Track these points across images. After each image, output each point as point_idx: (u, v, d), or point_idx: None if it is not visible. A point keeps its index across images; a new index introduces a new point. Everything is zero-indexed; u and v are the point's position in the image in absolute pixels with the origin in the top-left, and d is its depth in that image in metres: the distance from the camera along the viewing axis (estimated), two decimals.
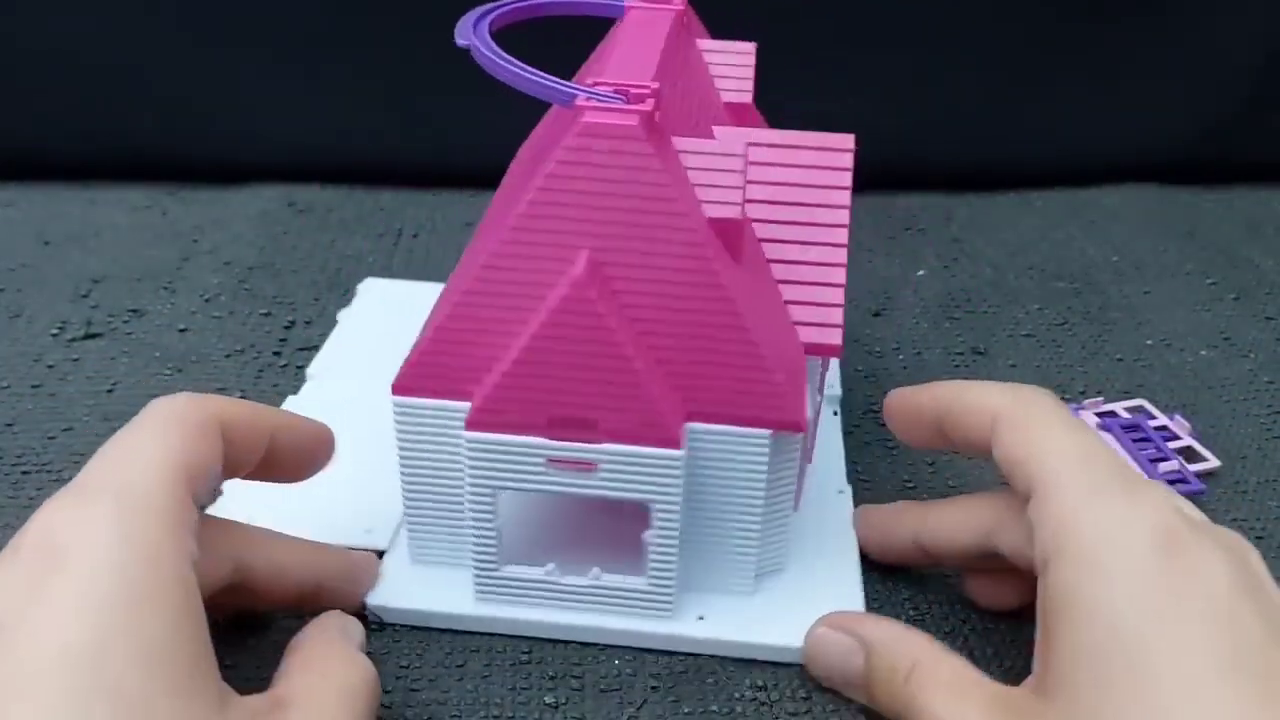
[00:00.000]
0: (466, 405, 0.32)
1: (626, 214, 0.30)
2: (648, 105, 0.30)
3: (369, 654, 0.34)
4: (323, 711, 0.27)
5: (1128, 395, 0.49)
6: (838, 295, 0.34)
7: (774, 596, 0.36)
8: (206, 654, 0.25)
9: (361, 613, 0.35)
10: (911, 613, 0.36)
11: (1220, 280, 0.58)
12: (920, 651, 0.31)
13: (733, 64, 0.42)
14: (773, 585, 0.36)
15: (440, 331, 0.32)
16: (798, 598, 0.35)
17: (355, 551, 0.36)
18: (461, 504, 0.34)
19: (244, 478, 0.32)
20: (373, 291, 0.52)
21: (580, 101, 0.30)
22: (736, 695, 0.33)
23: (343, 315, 0.50)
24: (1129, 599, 0.26)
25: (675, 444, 0.31)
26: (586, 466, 0.32)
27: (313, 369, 0.46)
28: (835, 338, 0.34)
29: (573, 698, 0.33)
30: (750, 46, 0.43)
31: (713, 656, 0.35)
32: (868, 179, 0.64)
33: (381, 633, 0.35)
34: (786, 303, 0.34)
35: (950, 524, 0.34)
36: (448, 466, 0.34)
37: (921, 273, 0.58)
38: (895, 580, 0.38)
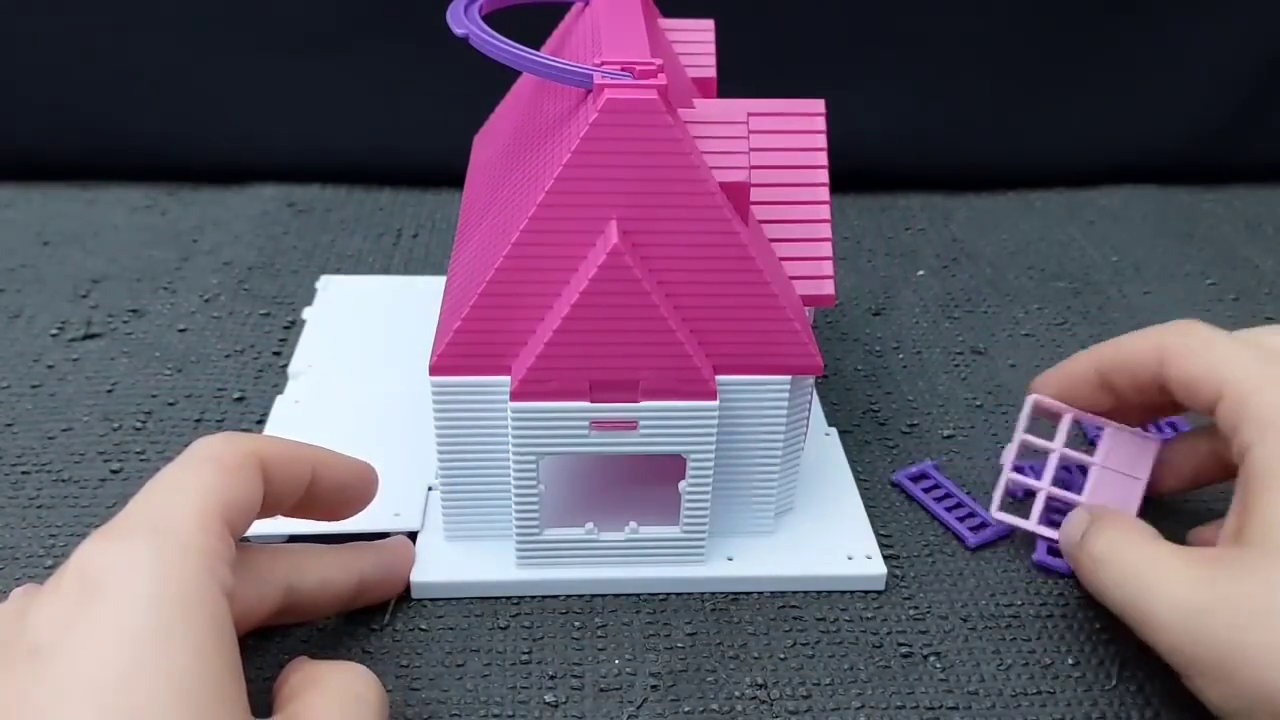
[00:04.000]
0: (504, 379, 0.34)
1: (651, 183, 0.32)
2: (660, 80, 0.32)
3: (369, 654, 0.34)
4: None
5: None
6: (826, 249, 0.37)
7: (792, 533, 0.39)
8: (235, 686, 0.25)
9: (404, 595, 0.36)
10: (911, 611, 0.37)
11: (1220, 280, 0.58)
12: (1127, 521, 0.35)
13: (694, 40, 0.45)
14: (788, 523, 0.39)
15: (475, 310, 0.33)
16: (813, 531, 0.39)
17: (388, 541, 0.36)
18: (498, 477, 0.36)
19: (286, 514, 0.32)
20: (331, 288, 0.52)
21: (598, 80, 0.32)
22: (736, 694, 0.33)
23: (308, 313, 0.50)
24: None
25: (712, 395, 0.33)
26: (629, 426, 0.33)
27: (294, 367, 0.46)
28: (828, 288, 0.36)
29: (573, 697, 0.33)
30: (709, 24, 0.45)
31: (712, 658, 0.35)
32: (868, 179, 0.65)
33: (381, 633, 0.35)
34: (781, 259, 0.36)
35: (1128, 348, 0.37)
36: (486, 441, 0.35)
37: (921, 273, 0.58)
38: (894, 584, 0.38)
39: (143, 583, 0.25)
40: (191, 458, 0.29)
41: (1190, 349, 0.34)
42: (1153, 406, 0.38)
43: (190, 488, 0.28)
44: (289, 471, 0.31)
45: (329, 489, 0.32)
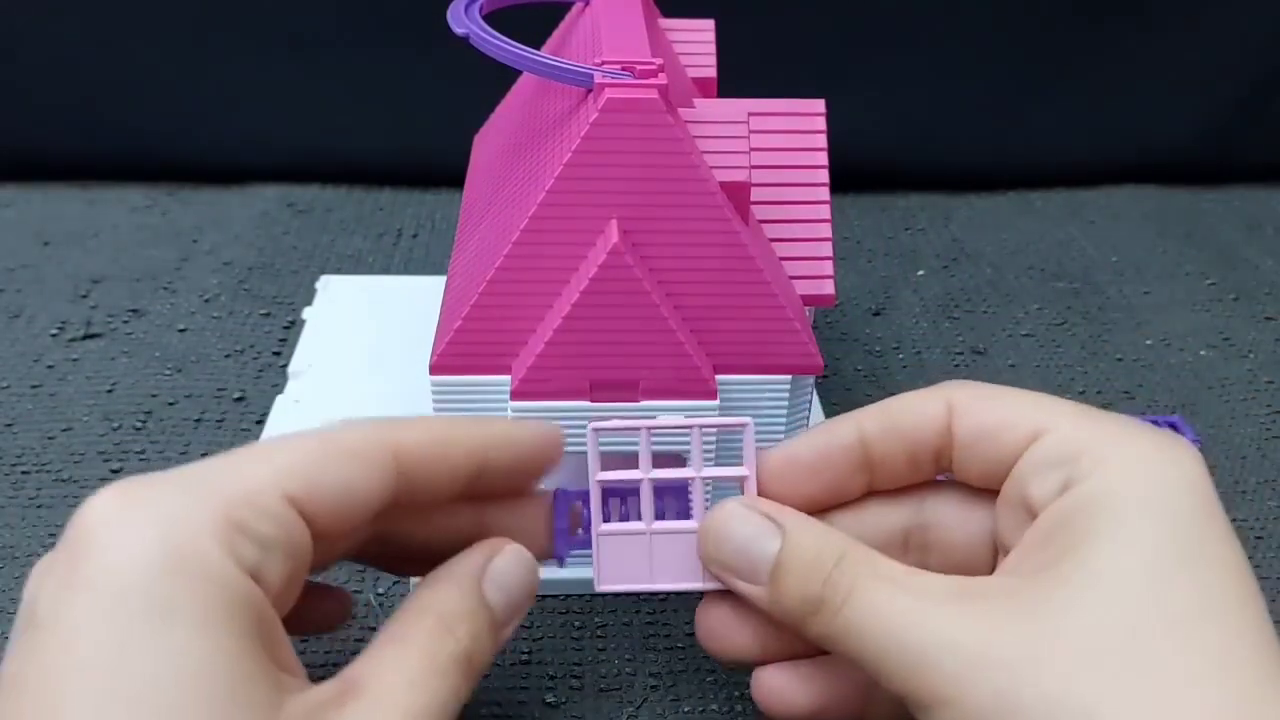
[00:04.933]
0: (504, 379, 0.33)
1: (651, 182, 0.32)
2: (661, 79, 0.32)
3: None
4: (393, 698, 0.24)
5: (1128, 395, 0.49)
6: (826, 249, 0.37)
7: None
8: (257, 674, 0.22)
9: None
10: None
11: (1220, 280, 0.58)
12: (848, 544, 0.27)
13: (694, 40, 0.44)
14: None
15: (476, 310, 0.33)
16: None
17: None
18: None
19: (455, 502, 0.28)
20: (331, 288, 0.52)
21: (599, 79, 0.32)
22: (736, 694, 0.33)
23: (308, 313, 0.50)
24: (1175, 544, 0.24)
25: (712, 395, 0.33)
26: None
27: (294, 367, 0.46)
28: (828, 288, 0.36)
29: (572, 698, 0.33)
30: (709, 24, 0.45)
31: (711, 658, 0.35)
32: (868, 179, 0.65)
33: None
34: (781, 259, 0.36)
35: (905, 407, 0.29)
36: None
37: (921, 273, 0.58)
38: None
39: (139, 547, 0.22)
40: (309, 431, 0.26)
41: (987, 396, 0.28)
42: (906, 482, 0.30)
43: (269, 457, 0.25)
44: (439, 464, 0.26)
45: (504, 470, 0.28)
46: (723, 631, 0.29)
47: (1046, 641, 0.23)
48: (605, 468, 0.30)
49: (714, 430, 0.32)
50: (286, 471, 0.24)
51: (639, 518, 0.30)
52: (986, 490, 0.29)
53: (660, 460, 0.30)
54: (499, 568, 0.27)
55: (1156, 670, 0.22)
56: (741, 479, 0.29)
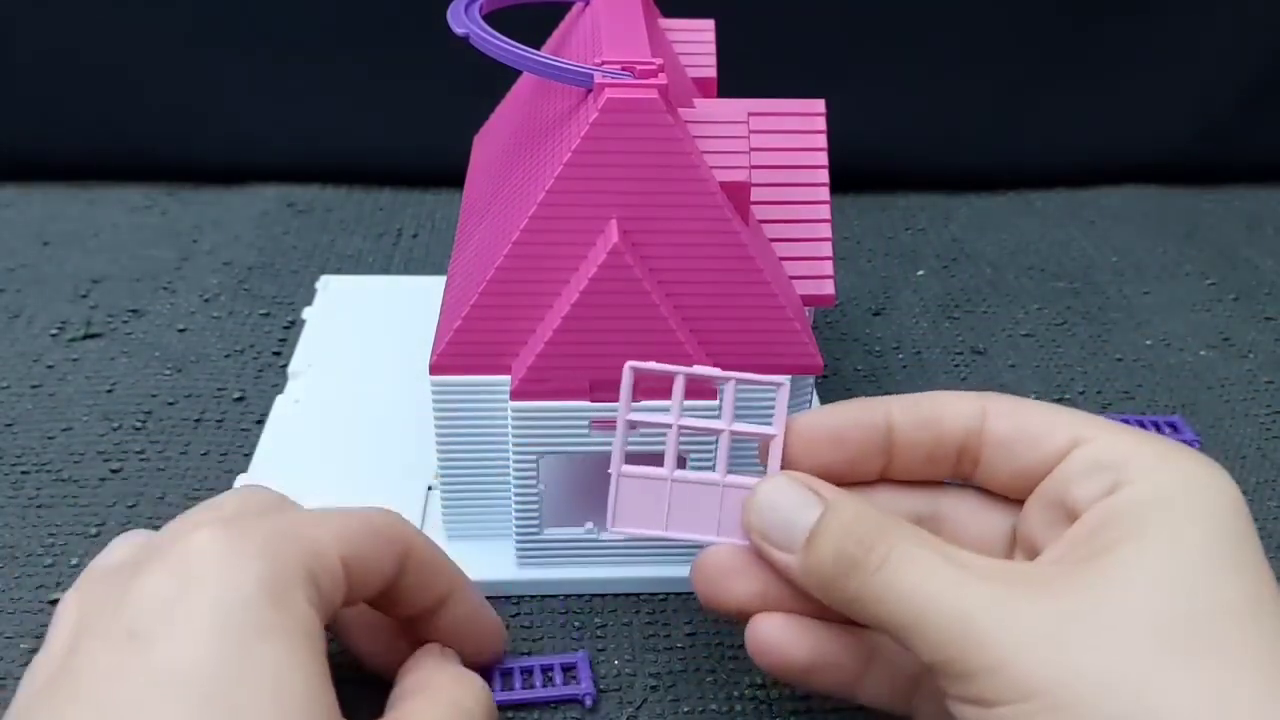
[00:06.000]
0: (504, 378, 0.34)
1: (651, 182, 0.32)
2: (661, 79, 0.32)
3: None
4: None
5: (1128, 395, 0.49)
6: (826, 249, 0.37)
7: None
8: (327, 697, 0.25)
9: None
10: None
11: (1220, 280, 0.58)
12: (888, 517, 0.27)
13: (695, 40, 0.45)
14: None
15: (476, 309, 0.33)
16: None
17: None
18: (498, 476, 0.36)
19: (404, 615, 0.31)
20: (331, 288, 0.52)
21: (599, 79, 0.32)
22: (736, 694, 0.33)
23: (308, 313, 0.50)
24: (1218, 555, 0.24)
25: (712, 395, 0.33)
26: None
27: (294, 367, 0.46)
28: (828, 288, 0.36)
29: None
30: (709, 24, 0.45)
31: (711, 658, 0.35)
32: (868, 179, 0.65)
33: None
34: (781, 259, 0.36)
35: (938, 402, 0.29)
36: (485, 440, 0.35)
37: (921, 273, 0.58)
38: None
39: (247, 581, 0.24)
40: (349, 509, 0.29)
41: (1025, 404, 0.29)
42: (920, 477, 0.30)
43: (329, 522, 0.28)
44: (425, 576, 0.30)
45: (456, 618, 0.31)
46: (723, 576, 0.29)
47: (1099, 616, 0.23)
48: (608, 466, 0.30)
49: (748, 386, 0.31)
50: (341, 538, 0.27)
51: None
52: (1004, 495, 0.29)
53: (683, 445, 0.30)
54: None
55: (1211, 652, 0.23)
56: (768, 438, 0.29)
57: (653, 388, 0.32)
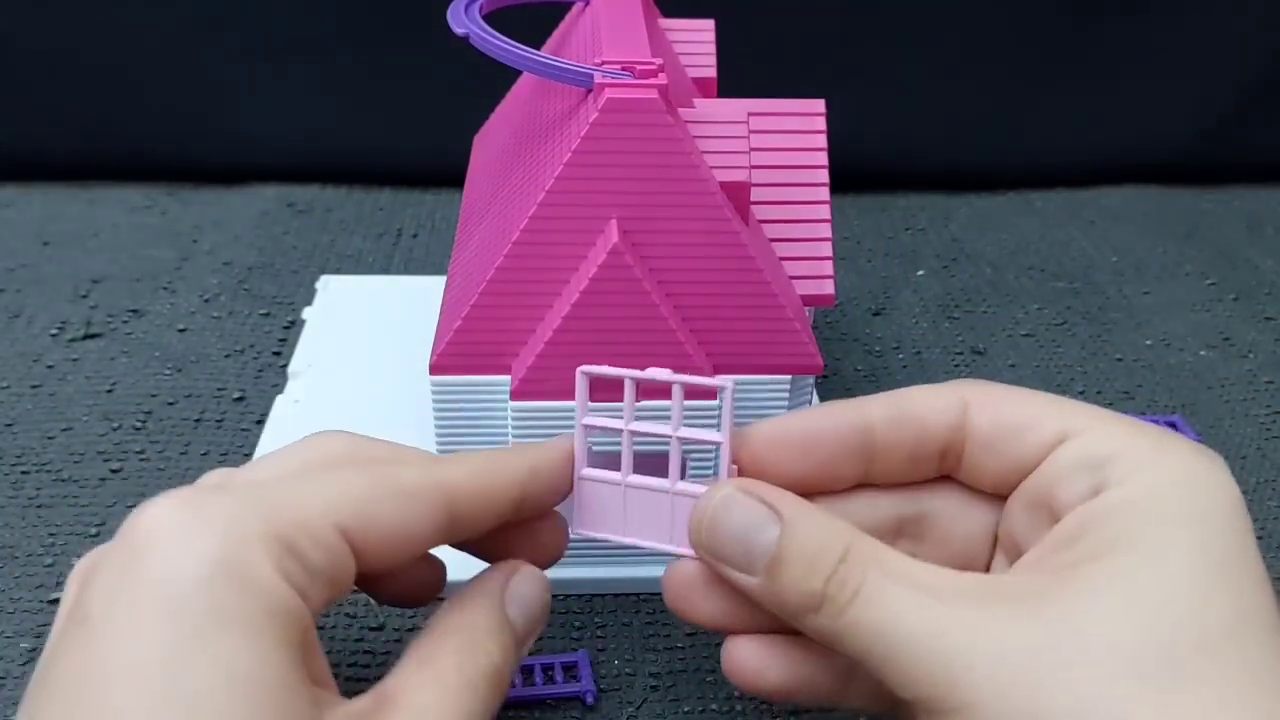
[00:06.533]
0: (504, 378, 0.34)
1: (651, 182, 0.32)
2: (661, 79, 0.32)
3: (370, 654, 0.34)
4: (428, 712, 0.24)
5: (1128, 395, 0.49)
6: (826, 249, 0.37)
7: None
8: (299, 686, 0.22)
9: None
10: None
11: (1220, 280, 0.58)
12: (853, 535, 0.25)
13: (695, 40, 0.45)
14: None
15: (475, 310, 0.33)
16: None
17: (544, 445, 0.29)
18: None
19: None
20: (331, 288, 0.52)
21: (599, 79, 0.32)
22: (736, 694, 0.33)
23: (308, 313, 0.50)
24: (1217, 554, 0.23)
25: (712, 395, 0.33)
26: None
27: (294, 367, 0.46)
28: (828, 288, 0.36)
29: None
30: (709, 24, 0.45)
31: (711, 658, 0.35)
32: (868, 179, 0.65)
33: (381, 631, 0.35)
34: (781, 259, 0.36)
35: (915, 398, 0.27)
36: (486, 440, 0.35)
37: (921, 273, 0.58)
38: None
39: (200, 560, 0.22)
40: (352, 456, 0.26)
41: (1007, 394, 0.27)
42: (902, 479, 0.28)
43: (325, 486, 0.25)
44: (485, 502, 0.27)
45: (539, 500, 0.28)
46: (690, 596, 0.27)
47: (1078, 648, 0.22)
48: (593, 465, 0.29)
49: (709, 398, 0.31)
50: (339, 503, 0.24)
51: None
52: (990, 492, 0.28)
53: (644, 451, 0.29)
54: (518, 588, 0.28)
55: (1192, 685, 0.22)
56: (715, 444, 0.27)
57: (650, 390, 0.32)
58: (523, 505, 0.28)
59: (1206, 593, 0.23)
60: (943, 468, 0.28)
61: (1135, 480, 0.24)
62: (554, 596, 0.36)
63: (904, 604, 0.24)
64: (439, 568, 0.30)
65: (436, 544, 0.26)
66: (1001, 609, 0.23)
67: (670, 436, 0.28)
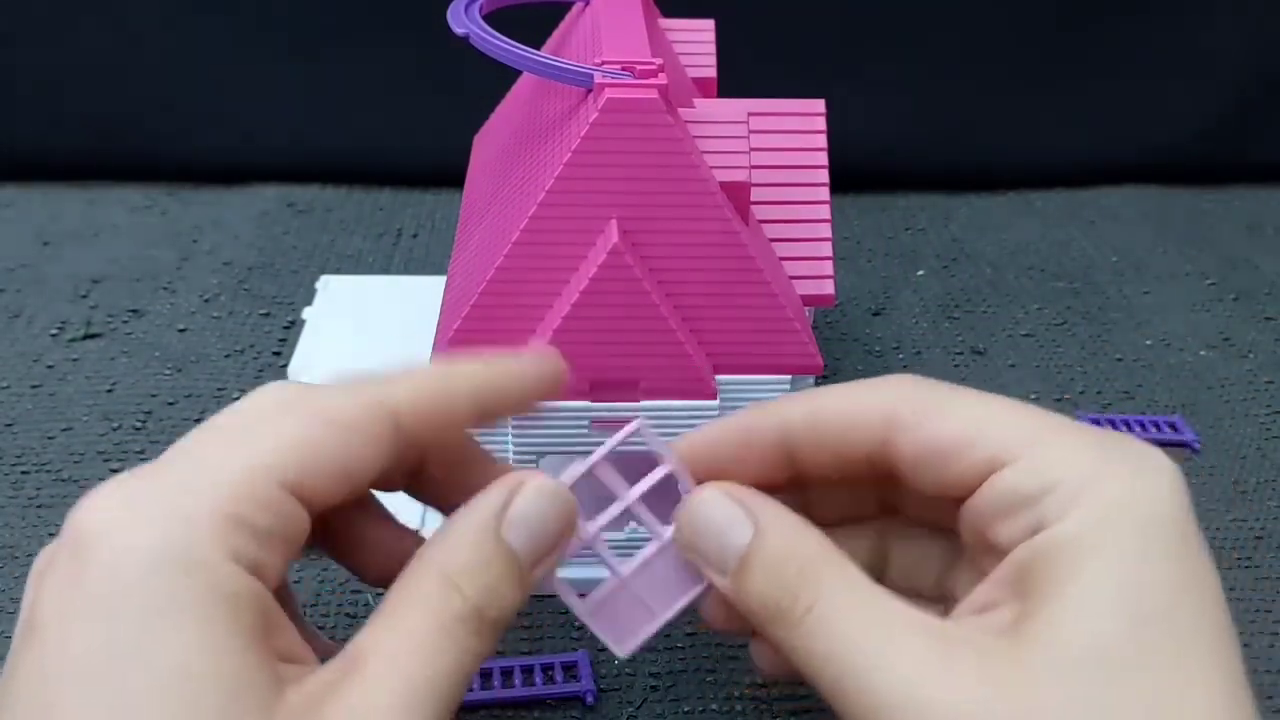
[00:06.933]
0: None
1: (651, 182, 0.32)
2: (661, 79, 0.32)
3: None
4: (395, 668, 0.22)
5: (1128, 395, 0.49)
6: (826, 249, 0.37)
7: None
8: (256, 672, 0.21)
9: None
10: None
11: (1220, 281, 0.58)
12: (821, 550, 0.24)
13: (695, 40, 0.45)
14: None
15: (476, 309, 0.33)
16: None
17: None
18: None
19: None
20: (331, 288, 0.52)
21: (599, 79, 0.32)
22: (736, 694, 0.33)
23: (308, 313, 0.50)
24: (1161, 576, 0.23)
25: (712, 395, 0.33)
26: None
27: (294, 367, 0.46)
28: (828, 288, 0.37)
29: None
30: (709, 24, 0.45)
31: (711, 658, 0.35)
32: (868, 179, 0.65)
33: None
34: (781, 259, 0.37)
35: (835, 411, 0.26)
36: (485, 440, 0.35)
37: (921, 273, 0.58)
38: None
39: (142, 552, 0.21)
40: (284, 403, 0.24)
41: (934, 407, 0.25)
42: (843, 488, 0.28)
43: (261, 443, 0.23)
44: (440, 417, 0.25)
45: (507, 409, 0.26)
46: (710, 606, 0.27)
47: (1021, 699, 0.22)
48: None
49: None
50: (280, 458, 0.23)
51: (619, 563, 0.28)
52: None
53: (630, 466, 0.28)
54: (519, 509, 0.25)
55: None
56: (666, 475, 0.27)
57: (613, 424, 0.30)
58: (488, 416, 0.26)
59: (1148, 640, 0.22)
60: (882, 486, 0.27)
61: (1073, 516, 0.23)
62: (554, 597, 0.36)
63: (854, 633, 0.23)
64: (414, 539, 0.28)
65: (388, 468, 0.24)
66: (949, 657, 0.23)
67: (628, 501, 0.27)
